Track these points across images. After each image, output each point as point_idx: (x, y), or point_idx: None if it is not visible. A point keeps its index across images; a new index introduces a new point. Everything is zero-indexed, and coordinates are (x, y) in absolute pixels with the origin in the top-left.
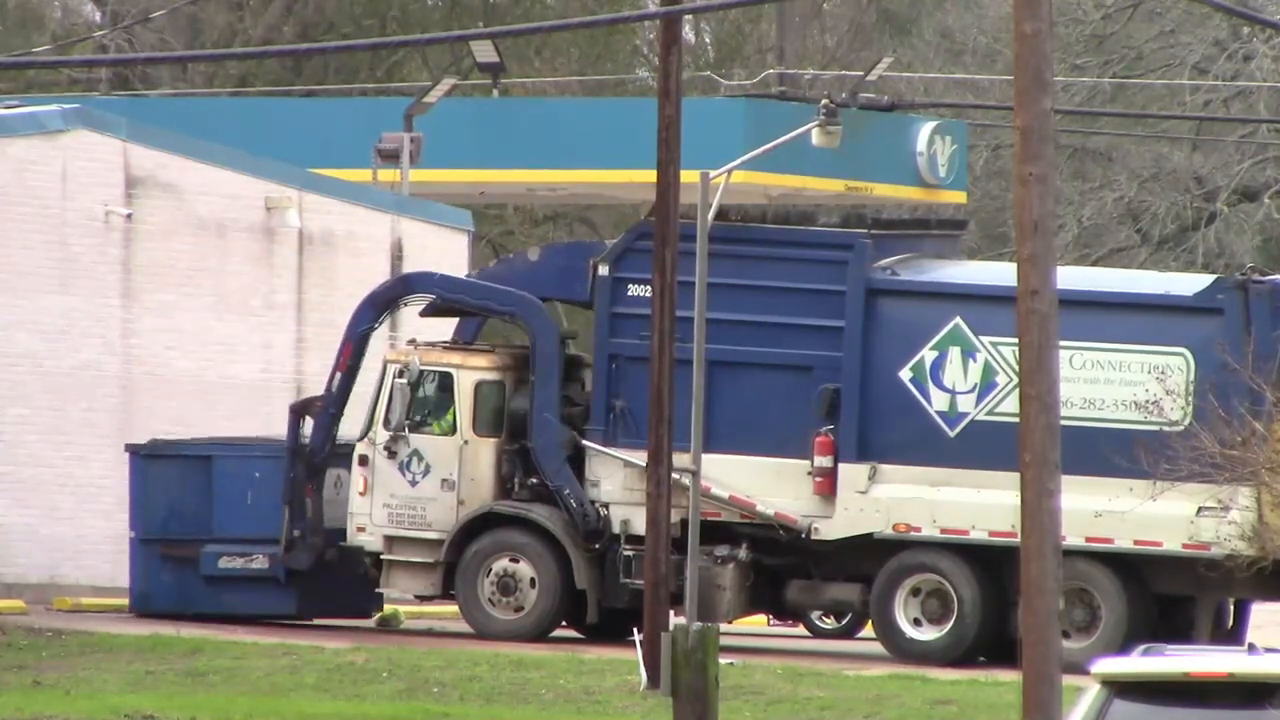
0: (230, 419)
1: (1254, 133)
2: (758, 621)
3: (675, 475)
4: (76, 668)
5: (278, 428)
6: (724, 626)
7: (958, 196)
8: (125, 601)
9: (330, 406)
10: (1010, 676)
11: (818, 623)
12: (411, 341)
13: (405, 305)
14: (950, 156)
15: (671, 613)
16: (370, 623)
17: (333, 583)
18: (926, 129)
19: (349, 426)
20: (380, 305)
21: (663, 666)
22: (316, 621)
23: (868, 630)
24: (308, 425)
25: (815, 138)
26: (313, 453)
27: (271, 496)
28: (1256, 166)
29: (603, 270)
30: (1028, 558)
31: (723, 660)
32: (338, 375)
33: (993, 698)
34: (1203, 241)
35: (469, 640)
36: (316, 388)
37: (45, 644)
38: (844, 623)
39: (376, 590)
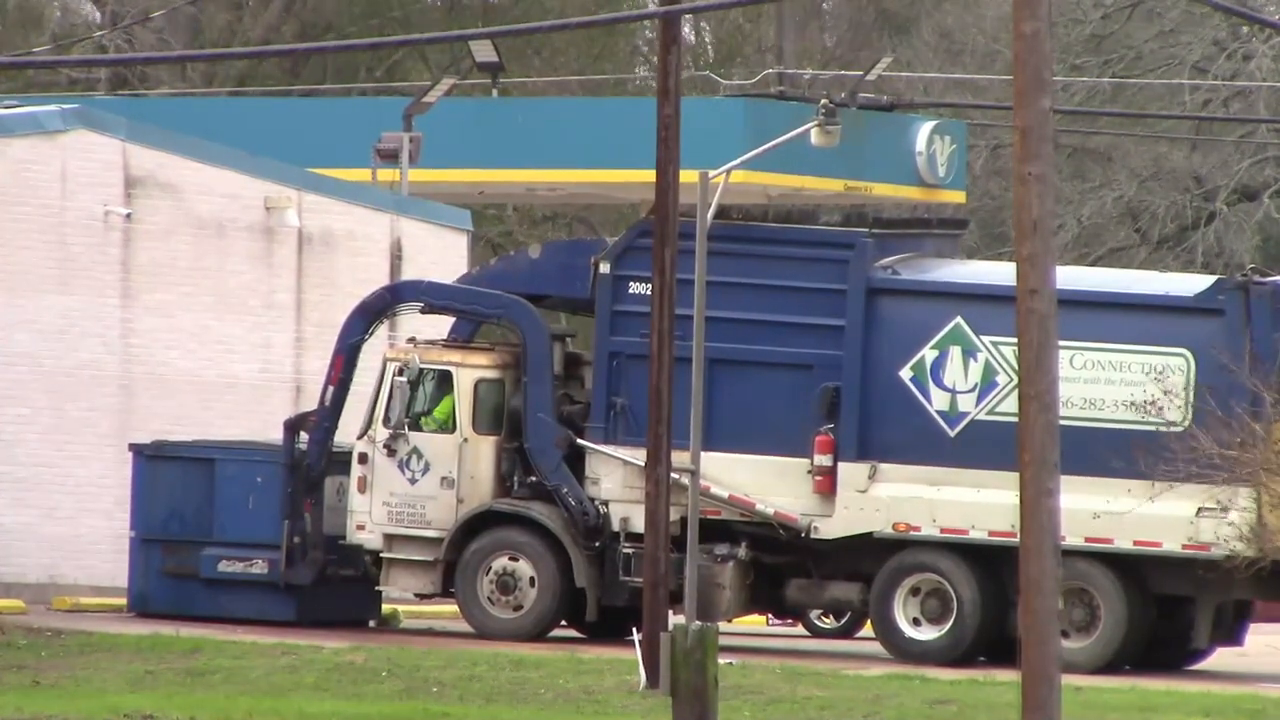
0: (229, 419)
1: (1253, 132)
2: (757, 621)
3: (675, 474)
4: (76, 667)
5: (277, 428)
6: (723, 626)
7: (957, 196)
8: (124, 601)
9: (325, 420)
10: (1009, 676)
11: (817, 622)
12: (411, 339)
13: (395, 315)
14: (949, 156)
15: (671, 612)
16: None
17: (333, 589)
18: (926, 128)
19: (346, 433)
20: (370, 316)
21: (662, 666)
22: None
23: (867, 630)
24: (303, 439)
25: (814, 137)
26: (309, 467)
27: (273, 501)
28: (1256, 166)
29: (604, 268)
30: (1027, 557)
31: (722, 660)
32: (330, 389)
33: (992, 697)
34: (1202, 241)
35: (468, 639)
36: (316, 387)
37: (45, 643)
38: (843, 622)
39: (376, 589)
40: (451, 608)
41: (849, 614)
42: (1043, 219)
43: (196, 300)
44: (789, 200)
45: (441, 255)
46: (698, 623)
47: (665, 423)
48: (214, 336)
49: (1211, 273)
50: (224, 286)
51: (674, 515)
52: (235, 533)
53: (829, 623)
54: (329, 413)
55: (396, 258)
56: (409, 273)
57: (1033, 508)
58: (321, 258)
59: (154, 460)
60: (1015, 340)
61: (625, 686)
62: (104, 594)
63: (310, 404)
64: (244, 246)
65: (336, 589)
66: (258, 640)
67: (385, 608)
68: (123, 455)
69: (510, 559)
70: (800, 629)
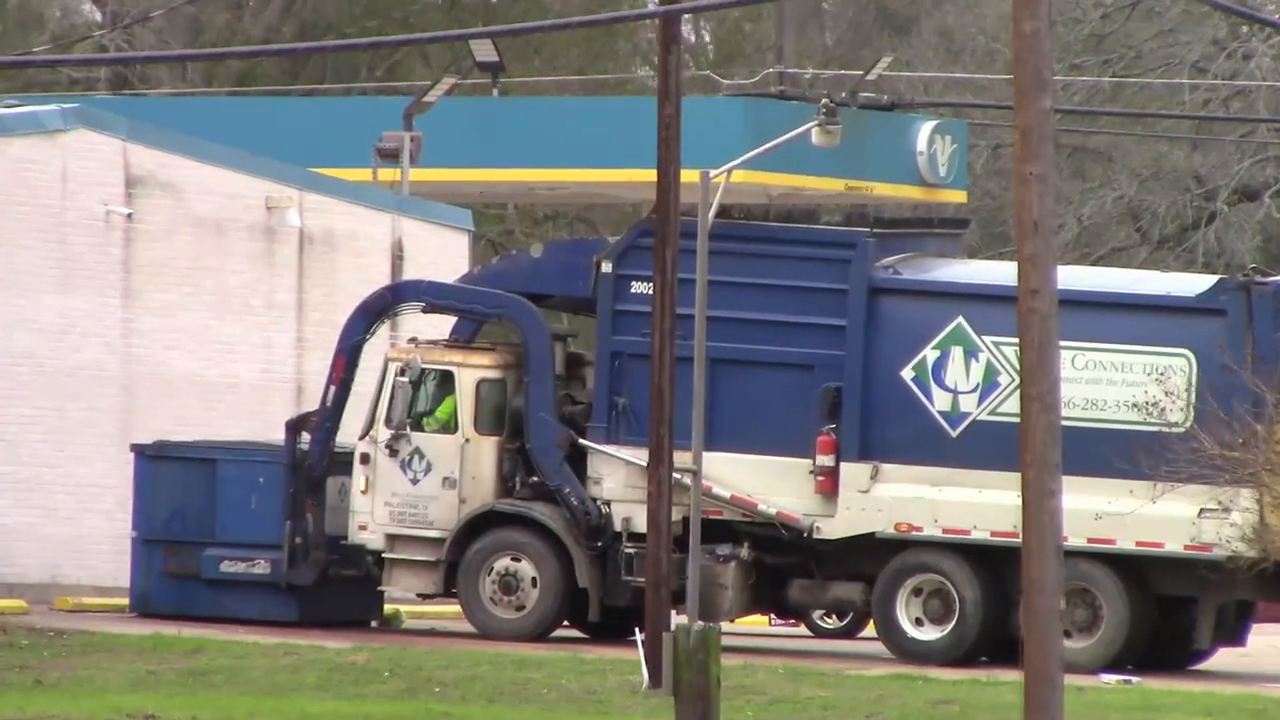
0: (231, 419)
1: (1253, 132)
2: (759, 621)
3: (677, 474)
4: (78, 667)
5: (279, 428)
6: (725, 626)
7: (958, 196)
8: (126, 601)
9: (326, 420)
10: (1012, 676)
11: (819, 622)
12: (413, 340)
13: (396, 315)
14: (950, 156)
15: (673, 612)
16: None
17: (335, 589)
18: (926, 128)
19: (348, 434)
20: (371, 316)
21: (665, 666)
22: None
23: (869, 630)
24: (305, 440)
25: (815, 137)
26: (311, 467)
27: (275, 502)
28: (1256, 166)
29: (606, 267)
30: (1029, 558)
31: (724, 660)
32: (332, 389)
33: (994, 698)
34: (1203, 241)
35: (470, 640)
36: (317, 387)
37: (47, 644)
38: (846, 622)
39: (379, 589)
40: (454, 608)
41: (851, 614)
42: (1043, 219)
43: (197, 300)
44: (790, 200)
45: (442, 255)
46: (700, 623)
47: (667, 423)
48: (215, 337)
49: (1213, 273)
50: (225, 286)
51: (676, 515)
52: (237, 533)
53: (831, 623)
54: (330, 413)
55: (398, 257)
56: (410, 272)
57: (1035, 508)
58: (323, 257)
59: (156, 460)
60: (1017, 340)
61: (628, 687)
62: (106, 594)
63: (312, 404)
64: (245, 246)
65: (338, 589)
66: (260, 640)
67: (387, 608)
68: (124, 455)
69: (512, 559)
70: (803, 629)
